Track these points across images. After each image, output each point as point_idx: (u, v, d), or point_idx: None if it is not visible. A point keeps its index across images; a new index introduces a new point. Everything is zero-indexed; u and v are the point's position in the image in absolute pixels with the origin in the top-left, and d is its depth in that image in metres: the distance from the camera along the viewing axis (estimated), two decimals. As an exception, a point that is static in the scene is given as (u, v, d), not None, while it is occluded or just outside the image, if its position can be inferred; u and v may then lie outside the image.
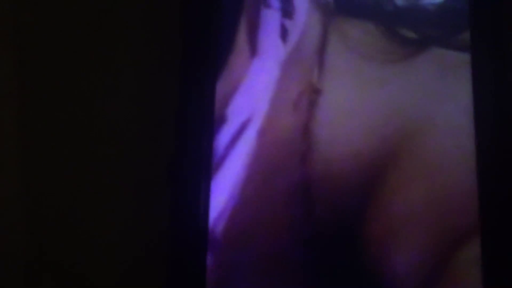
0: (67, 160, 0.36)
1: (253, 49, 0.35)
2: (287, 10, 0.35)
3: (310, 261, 0.33)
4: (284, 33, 0.35)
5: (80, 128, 0.36)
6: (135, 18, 0.37)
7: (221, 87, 0.34)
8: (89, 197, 0.35)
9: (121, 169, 0.36)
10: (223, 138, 0.34)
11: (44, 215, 0.35)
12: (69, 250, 0.35)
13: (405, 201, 0.35)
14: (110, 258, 0.35)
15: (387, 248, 0.34)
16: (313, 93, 0.35)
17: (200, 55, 0.34)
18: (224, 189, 0.33)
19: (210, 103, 0.33)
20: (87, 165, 0.36)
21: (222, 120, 0.34)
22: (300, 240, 0.34)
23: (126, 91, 0.36)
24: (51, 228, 0.35)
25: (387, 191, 0.35)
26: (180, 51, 0.35)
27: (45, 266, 0.35)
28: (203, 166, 0.33)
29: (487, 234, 0.36)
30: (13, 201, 0.35)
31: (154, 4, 0.37)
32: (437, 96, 0.37)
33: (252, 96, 0.34)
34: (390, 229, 0.35)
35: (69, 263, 0.35)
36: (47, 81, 0.36)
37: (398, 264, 0.34)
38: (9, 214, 0.35)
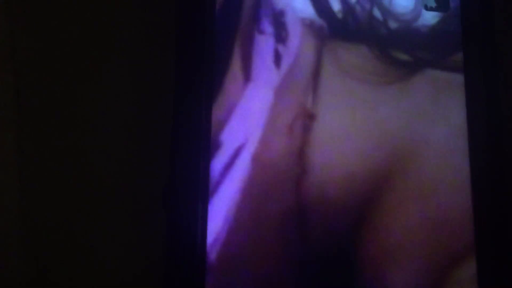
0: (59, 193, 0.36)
1: (247, 74, 0.35)
2: (280, 35, 0.36)
3: (305, 285, 0.33)
4: (277, 58, 0.35)
5: (72, 155, 0.36)
6: (130, 44, 0.37)
7: (215, 112, 0.34)
8: (82, 224, 0.36)
9: (116, 194, 0.36)
10: (218, 163, 0.34)
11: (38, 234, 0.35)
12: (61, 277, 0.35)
13: (400, 223, 0.35)
14: (104, 285, 0.35)
15: (382, 270, 0.34)
16: (307, 118, 0.35)
17: (194, 80, 0.34)
18: (219, 214, 0.33)
19: (206, 127, 0.34)
20: (78, 193, 0.36)
21: (216, 145, 0.34)
22: (295, 263, 0.34)
23: (119, 113, 0.36)
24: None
25: (381, 213, 0.35)
26: (175, 75, 0.35)
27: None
28: (200, 190, 0.33)
29: (482, 254, 0.36)
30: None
31: (148, 30, 0.37)
32: (431, 117, 0.37)
33: (247, 121, 0.34)
34: (385, 251, 0.35)
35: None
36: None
37: (393, 285, 0.34)
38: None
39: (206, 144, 0.34)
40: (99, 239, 0.35)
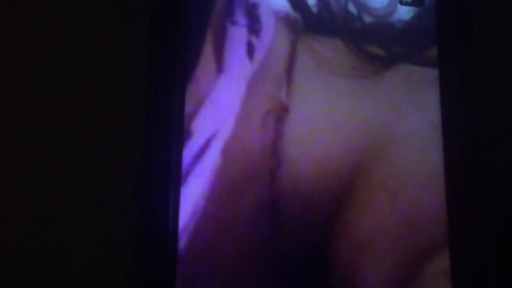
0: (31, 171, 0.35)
1: (219, 65, 0.35)
2: (253, 28, 0.35)
3: (277, 279, 0.33)
4: (250, 50, 0.35)
5: (47, 138, 0.36)
6: (104, 33, 0.37)
7: (187, 103, 0.34)
8: (55, 212, 0.35)
9: (88, 181, 0.35)
10: (188, 153, 0.33)
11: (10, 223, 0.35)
12: (33, 261, 0.34)
13: (372, 217, 0.35)
14: (76, 272, 0.34)
15: (355, 265, 0.34)
16: (281, 111, 0.35)
17: (167, 68, 0.34)
18: (189, 204, 0.33)
19: (178, 117, 0.33)
20: (53, 177, 0.35)
21: (187, 135, 0.33)
22: (267, 257, 0.33)
23: (93, 102, 0.36)
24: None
25: (354, 207, 0.35)
26: (148, 63, 0.34)
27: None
28: (172, 179, 0.33)
29: (455, 247, 0.36)
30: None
31: (123, 17, 0.37)
32: (405, 112, 0.37)
33: (218, 112, 0.34)
34: (358, 245, 0.35)
35: (30, 276, 0.34)
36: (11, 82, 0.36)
37: (367, 279, 0.34)
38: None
39: (178, 134, 0.33)
40: (70, 232, 0.35)
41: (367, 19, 0.38)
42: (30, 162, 0.35)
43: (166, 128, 0.33)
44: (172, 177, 0.33)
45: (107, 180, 0.35)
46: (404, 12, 0.38)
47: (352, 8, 0.38)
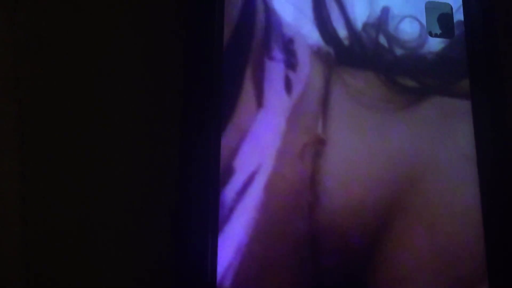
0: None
1: (259, 101, 0.35)
2: (290, 62, 0.36)
3: None
4: (288, 85, 0.35)
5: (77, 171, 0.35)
6: (137, 73, 0.37)
7: (227, 139, 0.34)
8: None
9: (122, 219, 0.35)
10: (230, 190, 0.33)
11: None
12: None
13: (410, 251, 0.35)
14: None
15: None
16: (318, 144, 0.35)
17: (203, 107, 0.34)
18: (231, 244, 0.33)
19: (215, 155, 0.33)
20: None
21: (228, 172, 0.33)
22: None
23: (127, 139, 0.36)
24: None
25: (392, 240, 0.35)
26: (183, 103, 0.34)
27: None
28: (209, 221, 0.32)
29: (494, 282, 0.35)
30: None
31: (156, 55, 0.37)
32: (439, 143, 0.37)
33: (258, 148, 0.34)
34: (396, 278, 0.34)
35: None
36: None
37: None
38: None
39: (215, 173, 0.33)
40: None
41: (398, 51, 0.38)
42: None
43: (203, 166, 0.33)
44: (210, 217, 0.33)
45: (141, 218, 0.35)
46: (435, 44, 0.39)
47: (383, 40, 0.38)
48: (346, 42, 0.37)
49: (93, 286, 0.34)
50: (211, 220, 0.33)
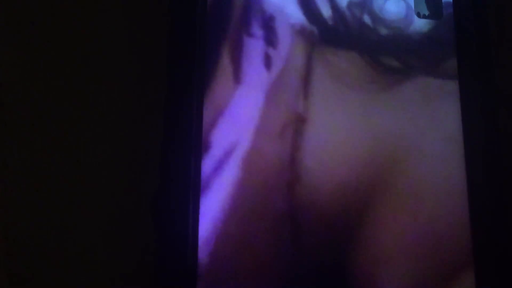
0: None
1: (237, 77, 0.34)
2: (270, 40, 0.35)
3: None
4: (268, 62, 0.35)
5: (61, 148, 0.35)
6: (120, 46, 0.37)
7: (204, 113, 0.33)
8: (68, 230, 0.34)
9: (103, 194, 0.35)
10: (207, 165, 0.33)
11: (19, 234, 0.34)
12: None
13: (393, 232, 0.34)
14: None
15: (374, 279, 0.33)
16: (299, 122, 0.34)
17: (186, 81, 0.34)
18: (206, 221, 0.32)
19: (197, 128, 0.33)
20: (66, 194, 0.35)
21: (206, 146, 0.33)
22: (287, 270, 0.33)
23: (109, 115, 0.36)
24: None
25: (373, 222, 0.34)
26: (167, 77, 0.34)
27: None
28: (190, 192, 0.32)
29: (481, 267, 0.35)
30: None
31: (140, 30, 0.37)
32: (424, 125, 0.36)
33: (236, 124, 0.34)
34: (377, 260, 0.34)
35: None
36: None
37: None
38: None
39: (197, 146, 0.33)
40: (87, 240, 0.34)
41: (383, 31, 0.37)
42: (43, 175, 0.35)
43: (185, 138, 0.33)
44: (191, 188, 0.32)
45: (123, 194, 0.35)
46: (421, 24, 0.38)
47: (367, 20, 0.37)
48: (330, 21, 0.37)
49: (77, 257, 0.34)
50: (192, 194, 0.32)
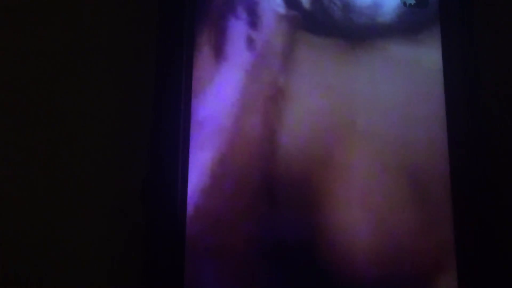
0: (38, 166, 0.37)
1: (221, 56, 0.36)
2: (254, 22, 0.37)
3: (270, 252, 0.34)
4: (250, 42, 0.36)
5: (51, 132, 0.37)
6: (109, 27, 0.39)
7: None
8: (61, 205, 0.36)
9: (96, 168, 0.37)
10: (194, 140, 0.35)
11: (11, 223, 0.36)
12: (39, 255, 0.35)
13: (366, 211, 0.35)
14: (82, 260, 0.35)
15: (344, 248, 0.34)
16: (279, 98, 0.36)
17: (173, 58, 0.36)
18: (192, 193, 0.34)
19: (186, 101, 0.35)
20: (59, 168, 0.37)
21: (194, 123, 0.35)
22: (265, 228, 0.34)
23: (99, 96, 0.38)
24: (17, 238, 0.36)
25: (345, 194, 0.35)
26: (156, 54, 0.36)
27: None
28: (179, 171, 0.34)
29: (462, 250, 0.34)
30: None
31: (128, 13, 0.39)
32: (405, 95, 0.37)
33: (218, 100, 0.35)
34: (348, 227, 0.34)
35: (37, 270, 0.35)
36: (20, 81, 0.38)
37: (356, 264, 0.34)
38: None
39: (186, 121, 0.35)
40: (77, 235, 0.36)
41: (362, 16, 0.38)
42: (34, 163, 0.37)
43: (174, 114, 0.35)
44: (179, 168, 0.34)
45: (114, 176, 0.36)
46: (404, 10, 0.39)
47: (349, 4, 0.38)
48: (308, 6, 0.38)
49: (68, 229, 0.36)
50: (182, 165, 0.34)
